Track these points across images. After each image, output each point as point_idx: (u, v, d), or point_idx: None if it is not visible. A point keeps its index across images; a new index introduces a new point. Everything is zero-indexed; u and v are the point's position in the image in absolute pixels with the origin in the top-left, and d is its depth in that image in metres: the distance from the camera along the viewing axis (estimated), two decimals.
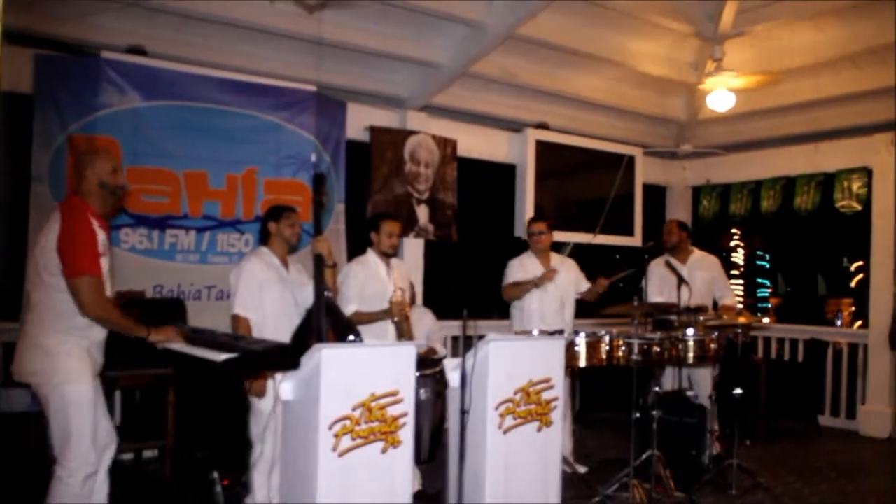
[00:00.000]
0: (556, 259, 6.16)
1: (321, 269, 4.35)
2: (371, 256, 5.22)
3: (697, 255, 6.61)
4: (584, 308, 6.44)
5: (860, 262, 8.23)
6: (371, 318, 5.00)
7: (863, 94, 7.85)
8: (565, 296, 6.09)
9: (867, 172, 8.25)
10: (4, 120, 5.14)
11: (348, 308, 4.95)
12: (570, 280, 6.11)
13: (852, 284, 8.14)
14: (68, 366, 3.57)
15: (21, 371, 3.63)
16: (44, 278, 3.59)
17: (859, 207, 8.35)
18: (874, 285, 8.15)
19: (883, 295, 8.03)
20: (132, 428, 5.05)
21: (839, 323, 8.25)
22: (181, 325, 3.90)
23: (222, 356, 3.34)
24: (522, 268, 6.07)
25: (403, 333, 5.01)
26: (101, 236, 3.67)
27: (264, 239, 4.65)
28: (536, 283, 5.88)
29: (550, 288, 5.96)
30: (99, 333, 3.75)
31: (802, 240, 8.90)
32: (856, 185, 8.38)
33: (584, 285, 6.13)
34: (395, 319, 4.99)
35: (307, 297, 4.49)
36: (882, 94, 7.68)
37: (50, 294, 3.58)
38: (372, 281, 5.12)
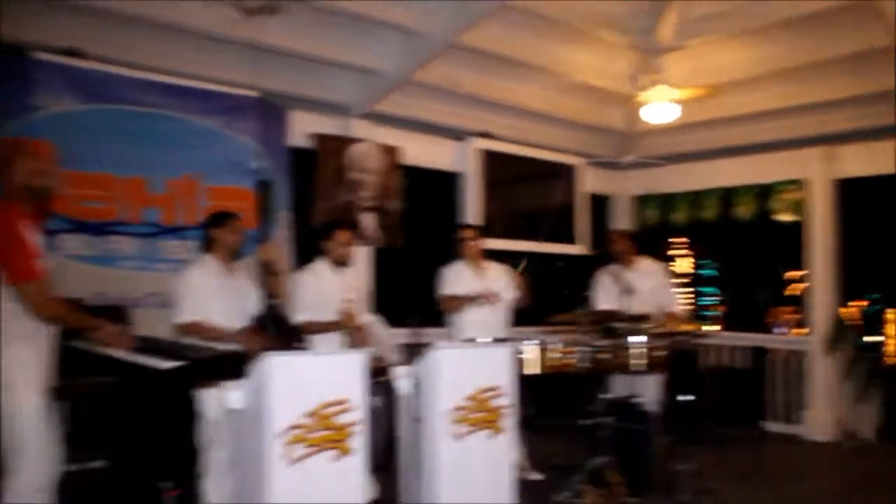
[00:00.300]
0: (488, 265, 6.17)
1: (267, 277, 4.29)
2: (320, 265, 5.16)
3: (643, 263, 6.64)
4: (532, 316, 6.41)
5: (803, 272, 8.42)
6: (323, 328, 4.96)
7: (797, 108, 8.07)
8: (499, 307, 6.08)
9: (803, 184, 8.44)
10: None
11: (300, 317, 4.89)
12: (505, 287, 6.11)
13: (794, 292, 8.32)
14: (14, 378, 3.45)
15: None
16: None
17: (796, 218, 8.54)
18: (813, 293, 8.33)
19: (821, 302, 8.22)
20: (78, 439, 4.89)
21: (776, 331, 8.45)
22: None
23: (169, 364, 3.24)
24: (458, 276, 6.05)
25: (356, 343, 4.94)
26: (35, 237, 3.55)
27: (207, 246, 4.55)
28: (477, 302, 5.88)
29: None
30: (48, 340, 3.63)
31: (744, 249, 9.07)
32: (792, 197, 8.58)
33: (513, 293, 6.14)
34: (346, 332, 4.93)
35: (252, 303, 4.41)
36: (816, 109, 7.94)
37: None
38: (322, 290, 5.06)
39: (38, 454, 3.49)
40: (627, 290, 5.86)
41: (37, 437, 3.49)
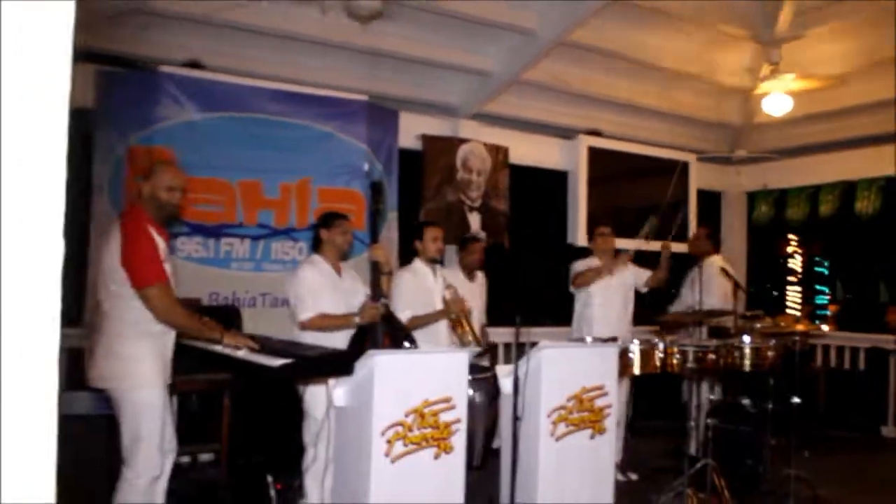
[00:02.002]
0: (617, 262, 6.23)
1: (378, 276, 4.41)
2: (418, 264, 5.29)
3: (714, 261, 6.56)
4: (638, 316, 6.39)
5: None
6: (428, 319, 5.07)
7: None
8: (626, 299, 6.17)
9: None
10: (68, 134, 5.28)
11: (404, 314, 5.01)
12: (628, 282, 6.18)
13: None
14: (141, 371, 3.65)
15: (96, 377, 3.72)
16: (111, 289, 3.67)
17: None
18: None
19: None
20: (189, 432, 5.14)
21: None
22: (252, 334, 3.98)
23: (278, 362, 3.39)
24: (589, 266, 6.17)
25: (461, 333, 5.05)
26: (161, 243, 3.74)
27: (316, 246, 4.69)
28: (606, 271, 5.97)
29: (612, 291, 6.05)
30: (170, 339, 3.83)
31: (863, 245, 8.69)
32: None
33: (645, 275, 6.22)
34: (453, 316, 5.04)
35: (360, 303, 4.53)
36: None
37: (119, 303, 3.66)
38: (421, 288, 5.19)
39: (156, 447, 3.67)
40: (738, 288, 5.79)
41: (156, 430, 3.67)
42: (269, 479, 4.58)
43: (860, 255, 8.79)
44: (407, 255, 6.34)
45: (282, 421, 4.72)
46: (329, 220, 4.68)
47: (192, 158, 5.94)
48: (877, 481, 6.32)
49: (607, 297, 6.07)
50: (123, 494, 3.62)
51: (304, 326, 4.39)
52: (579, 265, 6.20)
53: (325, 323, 4.36)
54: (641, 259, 6.30)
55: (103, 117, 5.75)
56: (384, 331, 4.28)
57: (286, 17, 6.02)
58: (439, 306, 5.12)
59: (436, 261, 5.30)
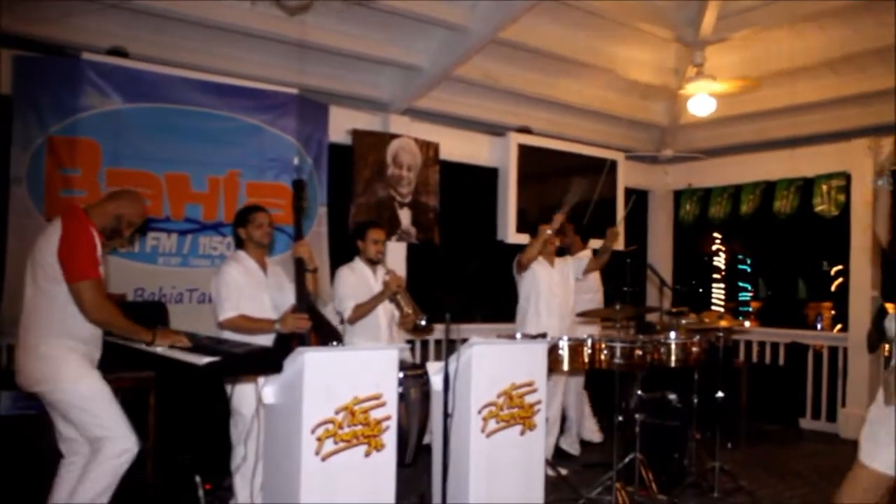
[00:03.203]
0: (560, 260, 6.39)
1: (302, 273, 4.38)
2: (358, 264, 5.36)
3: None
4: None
5: (840, 267, 8.24)
6: (372, 304, 5.15)
7: (841, 100, 7.95)
8: (569, 290, 6.32)
9: (845, 177, 8.31)
10: None
11: (348, 304, 5.08)
12: (570, 274, 6.34)
13: (832, 288, 8.18)
14: (70, 368, 3.59)
15: (27, 381, 3.65)
16: (40, 285, 3.61)
17: (837, 212, 8.41)
18: (853, 289, 8.21)
19: (862, 298, 8.09)
20: None
21: (819, 326, 8.24)
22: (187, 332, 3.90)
23: (204, 359, 3.33)
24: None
25: (404, 306, 5.10)
26: (99, 246, 3.72)
27: (239, 243, 4.65)
28: (548, 237, 6.04)
29: (555, 284, 6.17)
30: (96, 341, 3.77)
31: (783, 244, 8.94)
32: (834, 190, 8.44)
33: (584, 262, 6.38)
34: (395, 294, 5.13)
35: (286, 300, 4.50)
36: (860, 100, 7.81)
37: (46, 301, 3.60)
38: (361, 286, 5.21)
39: (124, 422, 3.67)
40: (664, 285, 5.89)
41: (114, 408, 3.66)
42: (198, 479, 4.49)
43: (780, 254, 9.04)
44: (339, 251, 6.31)
45: (210, 419, 4.64)
46: (243, 216, 4.65)
47: (116, 150, 5.81)
48: (795, 471, 6.52)
49: (551, 290, 6.13)
50: (105, 472, 3.58)
51: (223, 326, 4.36)
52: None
53: (244, 324, 4.34)
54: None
55: (21, 105, 5.53)
56: (311, 328, 4.26)
57: (214, 6, 5.88)
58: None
59: (375, 262, 5.30)
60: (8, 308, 5.19)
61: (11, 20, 5.25)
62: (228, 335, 4.29)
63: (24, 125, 5.53)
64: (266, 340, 4.24)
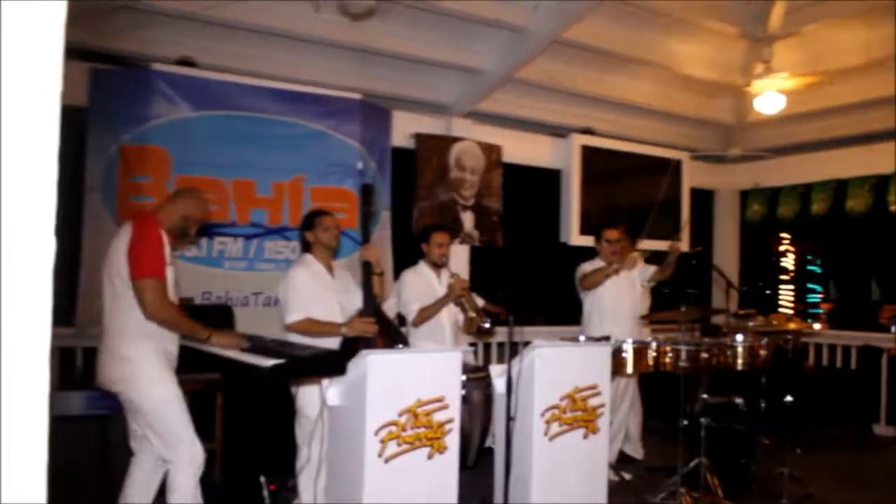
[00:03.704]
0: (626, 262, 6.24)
1: (369, 277, 4.41)
2: (423, 267, 5.36)
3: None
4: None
5: None
6: (436, 306, 5.13)
7: None
8: (635, 296, 6.20)
9: None
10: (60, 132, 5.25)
11: (412, 308, 5.09)
12: (636, 280, 6.21)
13: None
14: (149, 370, 3.66)
15: (105, 380, 3.74)
16: (117, 289, 3.68)
17: None
18: None
19: None
20: None
21: (894, 329, 8.00)
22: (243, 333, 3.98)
23: (270, 362, 3.38)
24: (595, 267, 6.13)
25: (468, 309, 5.07)
26: (168, 248, 3.78)
27: (305, 246, 4.69)
28: (611, 270, 5.92)
29: (621, 289, 6.06)
30: (173, 339, 3.84)
31: (855, 243, 8.71)
32: None
33: (650, 271, 6.21)
34: (460, 297, 5.09)
35: (353, 303, 4.52)
36: None
37: (123, 304, 3.67)
38: (425, 290, 5.22)
39: (192, 431, 3.71)
40: (730, 287, 5.79)
41: (184, 417, 3.71)
42: (263, 479, 4.57)
43: (852, 254, 8.79)
44: (402, 254, 6.35)
45: (275, 421, 4.72)
46: (310, 220, 4.68)
47: (185, 157, 5.95)
48: (868, 479, 6.34)
49: (617, 295, 6.05)
50: (182, 479, 3.64)
51: (290, 329, 4.40)
52: (586, 266, 6.14)
53: (311, 328, 4.36)
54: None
55: (96, 116, 5.71)
56: (378, 332, 4.29)
57: (279, 14, 6.00)
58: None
59: (440, 265, 5.32)
60: (83, 312, 5.36)
61: (86, 34, 5.42)
62: (295, 338, 4.34)
63: (99, 135, 5.71)
64: (333, 343, 4.27)
